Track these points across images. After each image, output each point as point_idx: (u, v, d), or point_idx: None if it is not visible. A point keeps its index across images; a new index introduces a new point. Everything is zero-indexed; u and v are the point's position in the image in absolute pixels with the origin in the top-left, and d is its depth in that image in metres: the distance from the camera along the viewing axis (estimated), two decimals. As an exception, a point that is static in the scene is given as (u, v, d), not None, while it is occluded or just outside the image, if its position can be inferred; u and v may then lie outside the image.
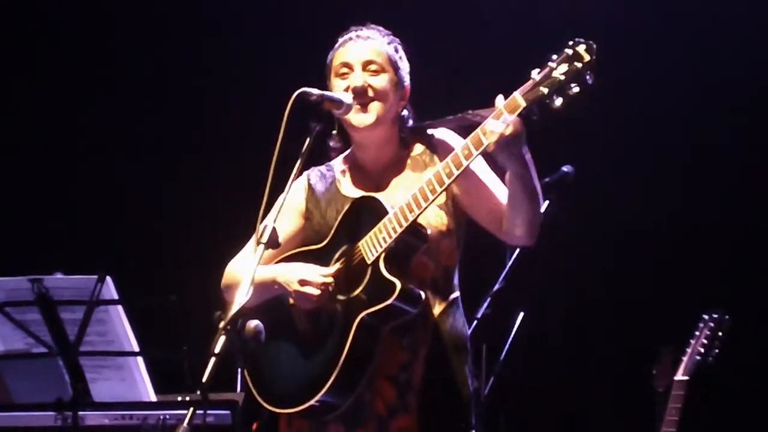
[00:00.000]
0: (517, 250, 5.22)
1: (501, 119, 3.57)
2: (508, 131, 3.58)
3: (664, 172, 6.36)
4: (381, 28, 4.01)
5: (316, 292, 3.78)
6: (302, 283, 3.79)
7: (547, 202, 5.20)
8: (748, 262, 6.25)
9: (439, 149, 3.93)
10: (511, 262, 5.23)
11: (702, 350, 5.32)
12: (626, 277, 6.35)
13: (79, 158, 6.83)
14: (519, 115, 3.58)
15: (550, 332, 6.27)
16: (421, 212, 3.73)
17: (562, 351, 6.39)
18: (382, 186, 3.95)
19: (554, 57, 3.57)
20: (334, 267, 3.83)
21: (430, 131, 3.97)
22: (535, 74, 3.57)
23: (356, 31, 3.98)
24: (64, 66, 6.85)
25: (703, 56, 6.27)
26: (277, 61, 6.45)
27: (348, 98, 3.86)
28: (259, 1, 6.74)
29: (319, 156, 3.99)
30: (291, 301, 3.86)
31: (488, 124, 3.61)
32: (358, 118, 3.88)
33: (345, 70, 3.92)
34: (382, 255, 3.75)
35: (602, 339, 6.36)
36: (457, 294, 3.93)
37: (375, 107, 3.89)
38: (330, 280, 3.80)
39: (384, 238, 3.74)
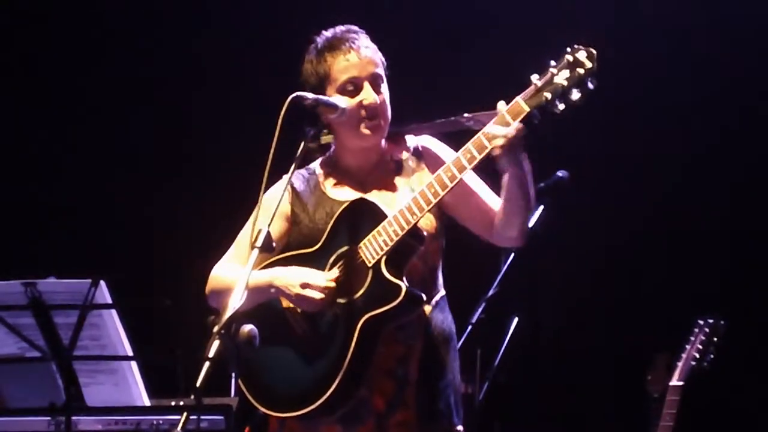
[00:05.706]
0: (512, 255, 5.21)
1: (509, 125, 3.62)
2: (513, 135, 3.62)
3: (659, 177, 6.36)
4: (362, 31, 3.93)
5: (320, 295, 3.77)
6: (304, 286, 3.77)
7: (541, 207, 5.20)
8: (743, 267, 6.24)
9: (425, 155, 3.95)
10: (505, 267, 5.22)
11: (697, 355, 5.32)
12: (621, 282, 6.35)
13: (72, 162, 6.82)
14: (522, 120, 3.63)
15: (544, 337, 6.26)
16: (424, 215, 3.74)
17: (556, 356, 6.38)
18: (367, 188, 3.93)
19: (553, 63, 3.61)
20: (334, 270, 3.82)
21: (413, 137, 3.97)
22: (536, 80, 3.61)
23: (351, 42, 3.88)
24: (57, 68, 6.84)
25: (700, 60, 6.27)
26: (268, 66, 6.43)
27: (343, 102, 3.83)
28: (253, 4, 6.74)
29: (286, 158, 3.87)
30: (289, 304, 3.83)
31: (493, 129, 3.65)
32: (371, 136, 3.86)
33: (352, 87, 3.87)
34: (384, 258, 3.75)
35: (596, 344, 6.35)
36: (443, 292, 3.94)
37: (384, 123, 3.89)
38: (332, 283, 3.79)
39: (385, 241, 3.74)
